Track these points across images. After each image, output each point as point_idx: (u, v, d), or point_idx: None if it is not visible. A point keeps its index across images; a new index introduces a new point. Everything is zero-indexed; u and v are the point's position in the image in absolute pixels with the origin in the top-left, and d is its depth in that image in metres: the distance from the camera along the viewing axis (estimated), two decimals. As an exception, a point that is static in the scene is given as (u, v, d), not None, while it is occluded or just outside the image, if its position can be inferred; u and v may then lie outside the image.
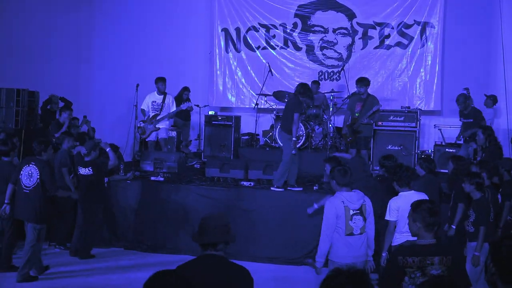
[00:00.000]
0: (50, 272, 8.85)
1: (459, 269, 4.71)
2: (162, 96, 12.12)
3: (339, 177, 6.26)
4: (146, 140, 12.32)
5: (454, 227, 7.82)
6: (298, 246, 9.80)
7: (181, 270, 4.00)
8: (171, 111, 12.17)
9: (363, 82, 11.42)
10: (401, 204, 6.68)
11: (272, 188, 10.21)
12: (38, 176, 8.42)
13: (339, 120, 13.62)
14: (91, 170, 9.58)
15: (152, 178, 10.95)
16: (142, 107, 12.21)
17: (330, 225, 6.14)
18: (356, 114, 11.41)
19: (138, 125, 12.17)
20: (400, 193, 6.94)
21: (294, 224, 9.84)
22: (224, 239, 4.17)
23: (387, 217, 6.92)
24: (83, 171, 9.65)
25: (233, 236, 4.26)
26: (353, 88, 12.75)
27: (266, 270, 9.26)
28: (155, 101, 12.13)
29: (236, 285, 4.02)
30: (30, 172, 8.44)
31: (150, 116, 12.03)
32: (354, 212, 6.15)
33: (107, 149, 9.91)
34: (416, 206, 4.80)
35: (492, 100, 12.31)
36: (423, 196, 6.91)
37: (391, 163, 8.45)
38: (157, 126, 12.04)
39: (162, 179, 10.90)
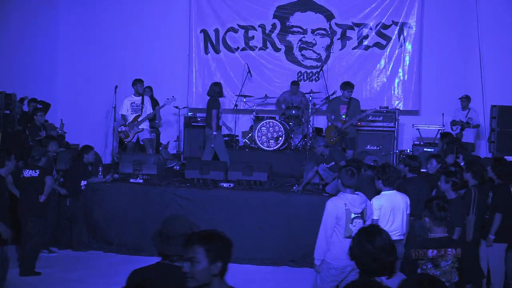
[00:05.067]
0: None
1: (470, 261, 4.97)
2: (140, 98, 12.01)
3: (345, 178, 6.16)
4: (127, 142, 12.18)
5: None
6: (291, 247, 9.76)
7: (134, 277, 3.78)
8: (151, 111, 12.10)
9: (350, 87, 11.55)
10: (383, 203, 6.71)
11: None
12: None
13: (318, 121, 13.67)
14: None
15: (132, 180, 10.86)
16: (121, 113, 12.02)
17: (329, 225, 6.07)
18: (343, 116, 11.43)
19: (120, 130, 11.99)
20: (383, 192, 6.94)
21: (275, 224, 9.85)
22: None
23: None
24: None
25: None
26: (332, 88, 12.88)
27: (255, 272, 9.27)
28: (134, 103, 11.96)
29: None
30: None
31: (131, 120, 11.90)
32: (356, 215, 6.06)
33: None
34: (426, 202, 5.10)
35: (467, 99, 12.48)
36: (404, 196, 6.95)
37: (416, 163, 8.27)
38: (139, 127, 11.89)
39: (141, 181, 10.82)
